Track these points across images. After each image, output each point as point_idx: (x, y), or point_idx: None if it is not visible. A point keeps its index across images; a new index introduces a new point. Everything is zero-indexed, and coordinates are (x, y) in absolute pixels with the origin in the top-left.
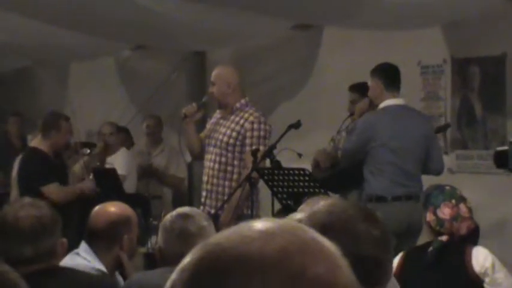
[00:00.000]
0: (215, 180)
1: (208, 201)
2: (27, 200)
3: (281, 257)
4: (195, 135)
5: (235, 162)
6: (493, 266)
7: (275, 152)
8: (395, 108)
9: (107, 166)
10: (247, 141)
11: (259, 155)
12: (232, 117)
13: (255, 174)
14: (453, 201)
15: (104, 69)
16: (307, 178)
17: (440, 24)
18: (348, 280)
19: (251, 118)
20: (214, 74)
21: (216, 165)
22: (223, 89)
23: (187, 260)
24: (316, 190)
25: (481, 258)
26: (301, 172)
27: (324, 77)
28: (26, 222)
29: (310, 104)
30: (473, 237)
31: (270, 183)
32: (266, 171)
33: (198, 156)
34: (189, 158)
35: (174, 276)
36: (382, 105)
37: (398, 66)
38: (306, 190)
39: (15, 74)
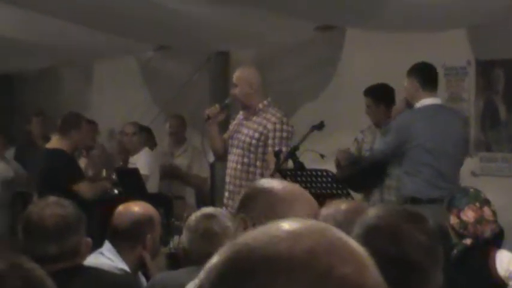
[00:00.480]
0: (237, 181)
1: (230, 202)
2: (51, 199)
3: (309, 257)
4: (218, 137)
5: (258, 163)
6: None
7: (298, 153)
8: (432, 108)
9: (130, 166)
10: (270, 141)
11: (281, 156)
12: (254, 118)
13: (277, 175)
14: (477, 204)
15: (126, 69)
16: (330, 179)
17: (465, 26)
18: (375, 281)
19: (274, 119)
20: (236, 75)
21: (239, 166)
22: (246, 90)
23: (215, 259)
24: (340, 191)
25: (505, 261)
26: (324, 173)
27: (347, 78)
28: (50, 221)
29: (333, 105)
30: (497, 240)
31: None
32: (289, 172)
33: (222, 157)
34: (211, 158)
35: (201, 275)
36: (418, 104)
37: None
38: (329, 191)
39: (38, 73)
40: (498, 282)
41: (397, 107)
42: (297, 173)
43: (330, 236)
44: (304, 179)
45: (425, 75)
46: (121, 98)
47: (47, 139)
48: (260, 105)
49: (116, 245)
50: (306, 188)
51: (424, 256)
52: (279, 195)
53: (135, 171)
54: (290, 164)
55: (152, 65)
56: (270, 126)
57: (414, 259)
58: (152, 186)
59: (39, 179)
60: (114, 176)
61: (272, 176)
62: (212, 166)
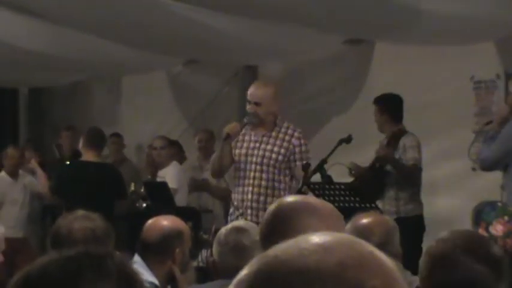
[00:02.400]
0: (262, 198)
1: (254, 219)
2: (80, 212)
3: (339, 271)
4: (230, 155)
5: (282, 178)
6: None
7: (326, 166)
8: None
9: (158, 179)
10: (297, 156)
11: (310, 169)
12: (274, 134)
13: (305, 189)
14: (505, 217)
15: (155, 83)
16: (357, 193)
17: (494, 39)
18: None
19: (296, 134)
20: (260, 94)
21: (263, 182)
22: (272, 109)
23: (245, 272)
24: (367, 205)
25: None
26: (352, 187)
27: (375, 91)
28: (79, 234)
29: (361, 119)
30: None
31: (321, 198)
32: (317, 186)
33: (220, 174)
34: None
35: (231, 287)
36: None
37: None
38: (356, 205)
39: (68, 88)
40: None
41: (500, 112)
42: (325, 187)
43: (359, 249)
44: (332, 192)
45: None
46: (150, 112)
47: (76, 153)
48: (277, 121)
49: (145, 258)
50: (333, 201)
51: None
52: (324, 215)
53: (164, 184)
54: (318, 177)
55: (181, 80)
56: (295, 141)
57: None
58: (180, 199)
59: (87, 191)
60: (142, 190)
61: (300, 189)
62: None
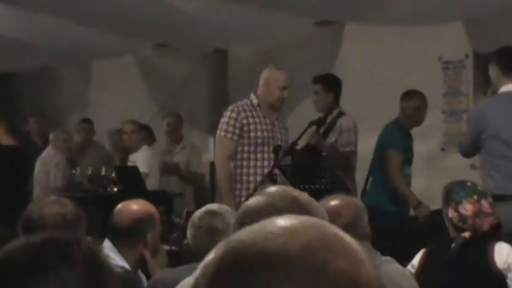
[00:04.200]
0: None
1: None
2: (52, 198)
3: (304, 253)
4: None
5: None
6: None
7: (296, 148)
8: (509, 96)
9: (129, 164)
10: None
11: (280, 151)
12: (278, 121)
13: (276, 172)
14: (475, 197)
15: (125, 67)
16: (328, 174)
17: (462, 20)
18: (371, 275)
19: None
20: (287, 78)
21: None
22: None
23: (210, 256)
24: (338, 186)
25: (504, 253)
26: (323, 169)
27: (346, 72)
28: (50, 219)
29: None
30: (495, 233)
31: (292, 180)
32: (288, 168)
33: None
34: (211, 157)
35: (197, 272)
36: (499, 91)
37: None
38: (328, 187)
39: (37, 73)
40: (497, 274)
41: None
42: (296, 169)
43: (325, 231)
44: (302, 174)
45: (507, 60)
46: (120, 96)
47: (46, 139)
48: None
49: (116, 243)
50: (304, 183)
51: None
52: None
53: (135, 169)
54: (289, 160)
55: (150, 63)
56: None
57: None
58: (152, 183)
59: None
60: (113, 174)
61: (271, 171)
62: (212, 163)
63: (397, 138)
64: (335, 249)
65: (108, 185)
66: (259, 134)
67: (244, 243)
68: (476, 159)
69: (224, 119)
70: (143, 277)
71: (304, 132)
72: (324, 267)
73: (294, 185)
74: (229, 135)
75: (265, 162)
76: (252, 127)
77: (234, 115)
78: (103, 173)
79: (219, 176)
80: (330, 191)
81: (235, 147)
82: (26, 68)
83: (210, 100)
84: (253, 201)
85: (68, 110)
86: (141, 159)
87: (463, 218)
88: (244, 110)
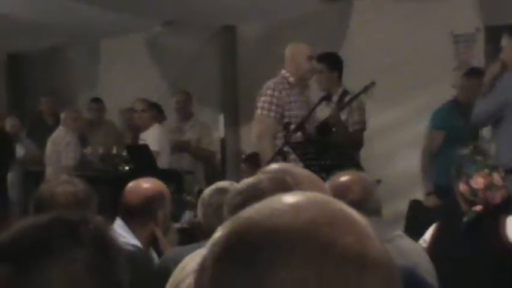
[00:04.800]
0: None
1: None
2: (63, 177)
3: (310, 229)
4: None
5: None
6: None
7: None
8: None
9: (140, 142)
10: None
11: (291, 128)
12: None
13: (287, 148)
14: (486, 170)
15: (134, 45)
16: (339, 150)
17: None
18: (377, 250)
19: None
20: (311, 48)
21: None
22: None
23: (218, 234)
24: (348, 163)
25: None
26: (334, 145)
27: (355, 49)
28: (61, 199)
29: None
30: (507, 206)
31: (303, 157)
32: (298, 145)
33: None
34: (222, 134)
35: (205, 250)
36: None
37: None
38: (338, 162)
39: (46, 52)
40: (508, 248)
41: (491, 69)
42: (306, 145)
43: (331, 207)
44: (313, 150)
45: None
46: (129, 75)
47: (57, 118)
48: None
49: (127, 221)
50: (314, 159)
51: None
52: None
53: (145, 147)
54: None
55: (159, 41)
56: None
57: None
58: (163, 161)
59: None
60: (124, 153)
61: (281, 148)
62: (223, 141)
63: (438, 117)
64: (341, 225)
65: (119, 164)
66: (298, 112)
67: (251, 220)
68: (486, 132)
69: (266, 98)
70: (154, 255)
71: (314, 108)
72: (330, 242)
73: (305, 161)
74: (272, 114)
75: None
76: (292, 105)
77: (276, 93)
78: (114, 151)
79: (267, 155)
80: (340, 167)
81: (278, 126)
82: (35, 49)
83: (220, 77)
84: (241, 183)
85: (78, 89)
86: (151, 137)
87: (474, 191)
88: (284, 89)
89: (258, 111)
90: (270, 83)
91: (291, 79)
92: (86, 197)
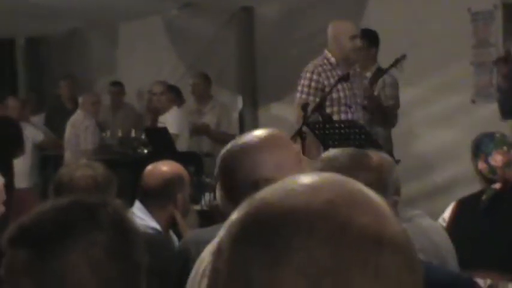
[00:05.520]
0: None
1: None
2: (83, 161)
3: (327, 209)
4: None
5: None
6: None
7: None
8: None
9: (159, 125)
10: None
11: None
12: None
13: (305, 129)
14: (504, 147)
15: (152, 28)
16: (357, 130)
17: None
18: (395, 230)
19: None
20: (354, 27)
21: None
22: None
23: (234, 216)
24: (367, 143)
25: None
26: (352, 124)
27: (373, 28)
28: (80, 182)
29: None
30: None
31: (321, 137)
32: (317, 125)
33: None
34: (240, 115)
35: (222, 232)
36: None
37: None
38: (357, 143)
39: (65, 36)
40: None
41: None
42: (325, 126)
43: (348, 187)
44: (332, 131)
45: None
46: (148, 58)
47: (76, 102)
48: None
49: (146, 204)
50: (333, 140)
51: None
52: (263, 151)
53: (164, 130)
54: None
55: (177, 24)
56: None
57: None
58: (181, 144)
59: None
60: (143, 136)
61: (300, 129)
62: (241, 122)
63: None
64: (358, 205)
65: (138, 147)
66: (341, 94)
67: (267, 200)
68: None
69: (305, 81)
70: (174, 237)
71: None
72: (348, 222)
73: (323, 142)
74: (311, 97)
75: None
76: (342, 86)
77: (315, 77)
78: (133, 135)
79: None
80: (359, 147)
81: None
82: (54, 32)
83: (238, 59)
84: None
85: (97, 73)
86: (170, 120)
87: (492, 169)
88: (324, 70)
89: (297, 94)
90: (310, 66)
91: (333, 59)
92: (105, 181)
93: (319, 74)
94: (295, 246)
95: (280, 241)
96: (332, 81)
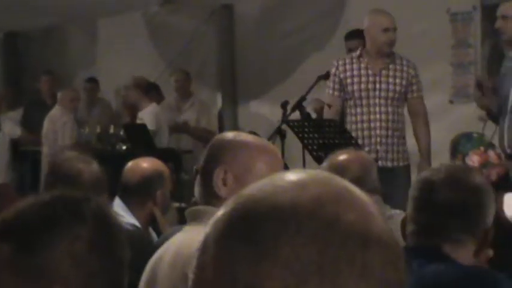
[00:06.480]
0: (390, 132)
1: (384, 155)
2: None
3: (314, 206)
4: None
5: (401, 111)
6: None
7: (305, 103)
8: None
9: (138, 121)
10: (415, 87)
11: (288, 107)
12: (392, 66)
13: (284, 127)
14: (482, 148)
15: (132, 24)
16: (337, 129)
17: None
18: (381, 228)
19: (412, 64)
20: (389, 19)
21: (390, 116)
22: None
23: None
24: (347, 141)
25: None
26: (332, 123)
27: (352, 27)
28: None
29: (338, 54)
30: (504, 183)
31: (300, 135)
32: (296, 123)
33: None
34: (220, 103)
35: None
36: None
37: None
38: (336, 141)
39: (44, 31)
40: (506, 225)
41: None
42: (304, 124)
43: (335, 184)
44: (311, 129)
45: None
46: (127, 54)
47: (55, 98)
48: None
49: (126, 201)
50: (313, 138)
51: None
52: (257, 150)
53: (143, 126)
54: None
55: (157, 20)
56: (412, 72)
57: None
58: (161, 141)
59: None
60: (122, 132)
61: (279, 127)
62: (220, 118)
63: None
64: (345, 202)
65: (117, 143)
66: (355, 87)
67: (254, 197)
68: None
69: (331, 76)
70: (154, 234)
71: (312, 86)
72: (334, 219)
73: (302, 140)
74: (330, 91)
75: (365, 117)
76: (349, 81)
77: (333, 70)
78: (111, 131)
79: None
80: (338, 146)
81: (339, 102)
82: (34, 27)
83: (218, 56)
84: None
85: (76, 68)
86: (146, 116)
87: None
88: (344, 64)
89: (326, 90)
90: (335, 60)
91: (357, 52)
92: (101, 177)
93: (336, 68)
94: (282, 243)
95: (267, 237)
96: (349, 74)
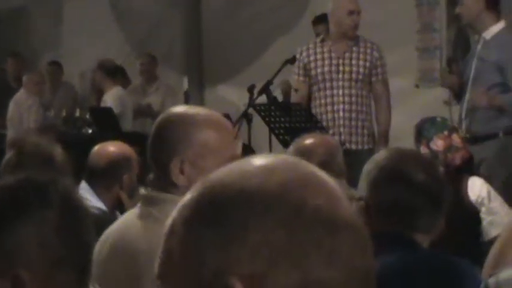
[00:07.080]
0: (354, 115)
1: (348, 138)
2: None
3: (281, 191)
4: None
5: (365, 93)
6: (488, 195)
7: (272, 87)
8: None
9: (102, 105)
10: (379, 70)
11: (255, 91)
12: (355, 48)
13: (251, 111)
14: (445, 132)
15: (97, 7)
16: (303, 113)
17: None
18: (348, 212)
19: (376, 47)
20: (353, 2)
21: (353, 99)
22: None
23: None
24: (313, 125)
25: (476, 188)
26: (298, 107)
27: (319, 11)
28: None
29: (305, 39)
30: (468, 166)
31: (267, 119)
32: (263, 107)
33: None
34: (186, 86)
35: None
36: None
37: None
38: (303, 125)
39: (10, 13)
40: (470, 209)
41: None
42: (271, 108)
43: (302, 169)
44: (278, 113)
45: None
46: (93, 37)
47: (21, 81)
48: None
49: (92, 184)
50: (279, 122)
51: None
52: (207, 125)
53: (109, 110)
54: (264, 99)
55: (123, 3)
56: (376, 54)
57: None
58: (126, 124)
59: None
60: (87, 116)
61: (246, 111)
62: (187, 100)
63: None
64: (312, 186)
65: (83, 127)
66: (319, 70)
67: (222, 182)
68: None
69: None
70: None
71: (279, 70)
72: (302, 204)
73: (269, 124)
74: (295, 76)
75: (328, 100)
76: (312, 65)
77: (297, 56)
78: (77, 114)
79: None
80: (304, 129)
81: (305, 87)
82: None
83: (185, 40)
84: None
85: (41, 51)
86: (113, 100)
87: (434, 154)
88: (308, 49)
89: (292, 75)
90: (299, 47)
91: (320, 37)
92: (63, 160)
93: (300, 53)
94: (250, 227)
95: (235, 222)
96: (312, 58)
